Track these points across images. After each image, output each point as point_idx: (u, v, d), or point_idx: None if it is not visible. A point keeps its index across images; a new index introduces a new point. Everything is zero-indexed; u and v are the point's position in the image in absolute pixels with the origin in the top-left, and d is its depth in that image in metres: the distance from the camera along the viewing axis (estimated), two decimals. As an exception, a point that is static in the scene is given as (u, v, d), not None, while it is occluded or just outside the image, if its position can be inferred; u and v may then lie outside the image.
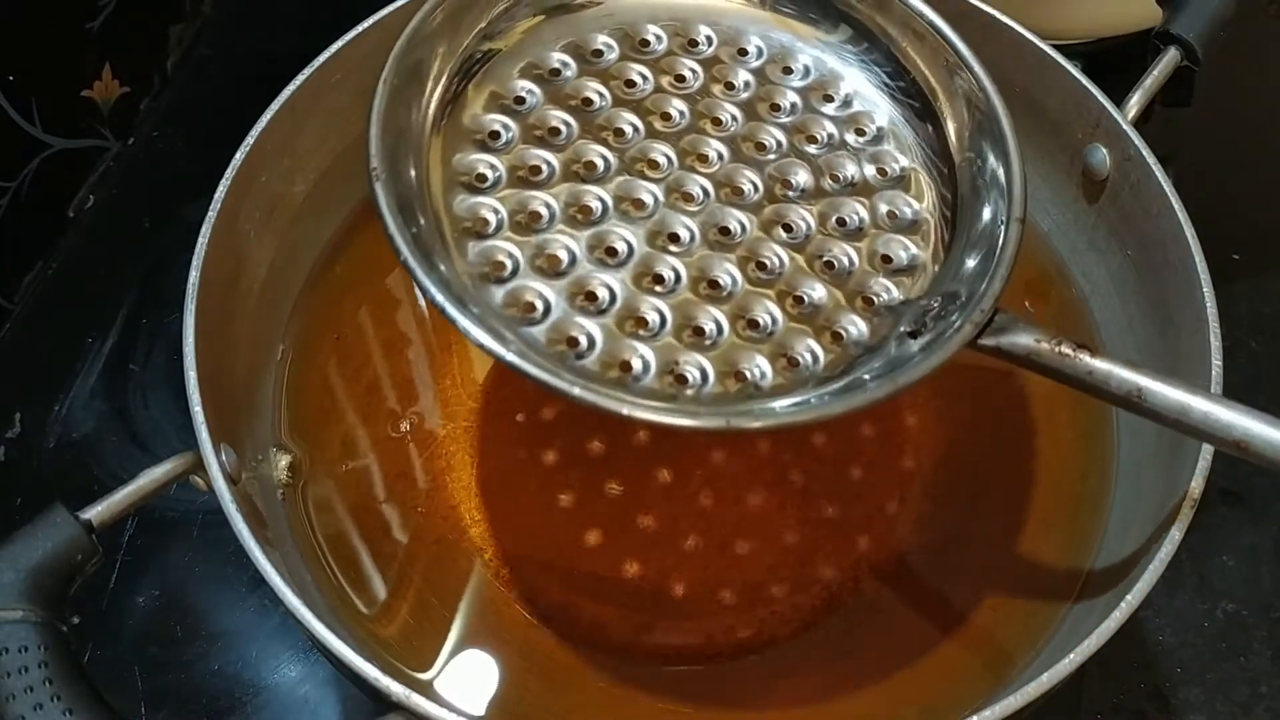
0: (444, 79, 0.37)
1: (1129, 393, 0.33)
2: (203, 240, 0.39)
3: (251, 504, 0.38)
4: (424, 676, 0.39)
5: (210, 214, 0.40)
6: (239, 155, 0.41)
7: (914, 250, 0.37)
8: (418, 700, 0.32)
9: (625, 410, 0.31)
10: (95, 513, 0.35)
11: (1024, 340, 0.34)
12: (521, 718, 0.39)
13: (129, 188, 0.59)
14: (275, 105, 0.43)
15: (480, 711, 0.39)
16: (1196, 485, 0.36)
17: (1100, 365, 0.33)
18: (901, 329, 0.35)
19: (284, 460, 0.43)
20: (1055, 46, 0.45)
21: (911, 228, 0.37)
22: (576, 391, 0.31)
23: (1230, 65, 0.60)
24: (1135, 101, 0.45)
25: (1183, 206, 0.41)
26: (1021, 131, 0.37)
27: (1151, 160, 0.42)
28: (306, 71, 0.43)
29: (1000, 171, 0.36)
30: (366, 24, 0.44)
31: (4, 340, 0.54)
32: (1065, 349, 0.34)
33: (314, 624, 0.33)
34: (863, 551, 0.42)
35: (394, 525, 0.43)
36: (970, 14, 0.45)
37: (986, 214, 0.36)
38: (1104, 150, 0.44)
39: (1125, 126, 0.43)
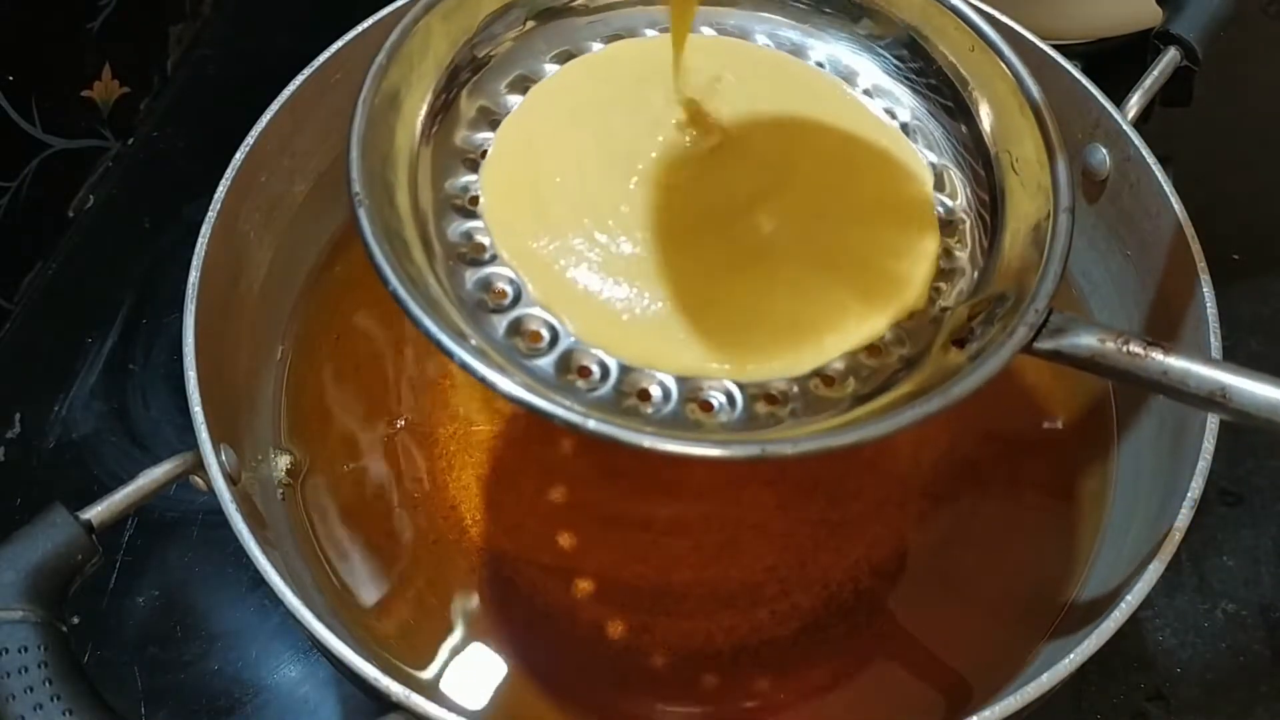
0: (430, 93, 0.34)
1: (1211, 393, 0.29)
2: (203, 240, 0.39)
3: (251, 504, 0.38)
4: (424, 676, 0.39)
5: (210, 214, 0.40)
6: (239, 155, 0.41)
7: (952, 252, 0.34)
8: (417, 700, 0.32)
9: (646, 443, 0.28)
10: (95, 513, 0.35)
11: (1087, 341, 0.30)
12: (521, 718, 0.39)
13: (129, 188, 0.59)
14: (275, 105, 0.43)
15: (480, 711, 0.39)
16: (1196, 486, 0.36)
17: (1176, 364, 0.29)
18: (945, 337, 0.32)
19: (284, 460, 0.43)
20: (1055, 46, 0.45)
21: (947, 228, 0.34)
22: (591, 425, 0.28)
23: (1230, 65, 0.60)
24: (1135, 101, 0.45)
25: (1183, 207, 0.41)
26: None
27: (1151, 160, 0.42)
28: (306, 71, 0.43)
29: (1041, 162, 0.33)
30: (366, 24, 0.44)
31: (4, 340, 0.54)
32: (1135, 347, 0.30)
33: (314, 624, 0.33)
34: (862, 551, 0.42)
35: (394, 525, 0.43)
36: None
37: (1030, 208, 0.33)
38: (1104, 150, 0.44)
39: (1125, 126, 0.43)
